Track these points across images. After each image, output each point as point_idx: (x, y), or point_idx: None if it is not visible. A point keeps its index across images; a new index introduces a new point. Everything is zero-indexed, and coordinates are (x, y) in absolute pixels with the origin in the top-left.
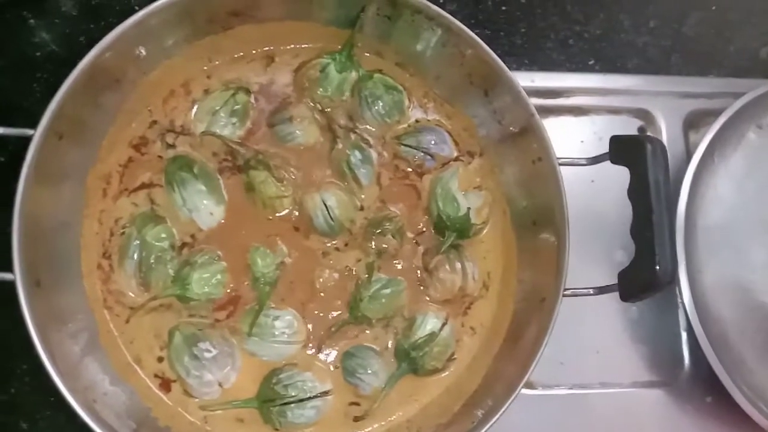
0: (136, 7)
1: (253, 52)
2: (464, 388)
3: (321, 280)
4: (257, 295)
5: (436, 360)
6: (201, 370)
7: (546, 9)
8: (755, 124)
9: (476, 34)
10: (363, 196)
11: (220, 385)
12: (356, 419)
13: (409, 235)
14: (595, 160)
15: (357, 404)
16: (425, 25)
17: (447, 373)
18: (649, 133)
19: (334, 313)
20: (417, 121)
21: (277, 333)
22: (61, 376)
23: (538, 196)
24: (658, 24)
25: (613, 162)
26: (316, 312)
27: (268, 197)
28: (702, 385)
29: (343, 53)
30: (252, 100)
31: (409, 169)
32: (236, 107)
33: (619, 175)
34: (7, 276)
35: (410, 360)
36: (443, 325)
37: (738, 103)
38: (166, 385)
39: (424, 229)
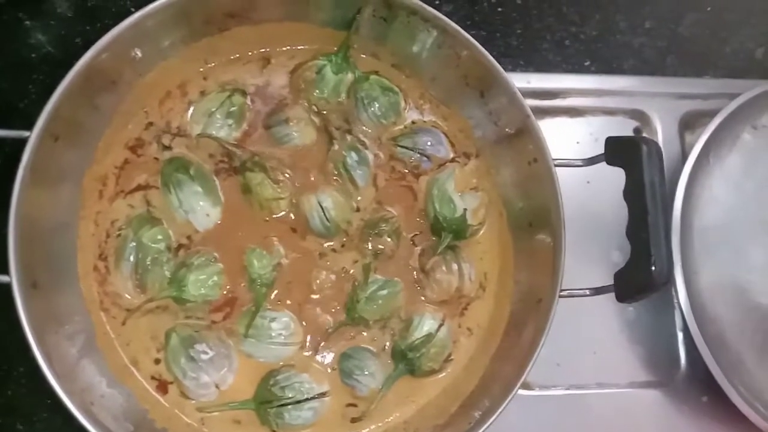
0: (132, 9)
1: (249, 53)
2: (461, 389)
3: (318, 281)
4: (254, 296)
5: (433, 361)
6: (198, 371)
7: (542, 10)
8: (750, 124)
9: (472, 35)
10: (359, 198)
11: (217, 386)
12: (353, 420)
13: (406, 236)
14: (590, 161)
15: (354, 405)
16: (421, 26)
17: (444, 374)
18: (644, 134)
19: (331, 315)
20: (413, 122)
21: (273, 334)
22: (58, 379)
23: (534, 197)
24: (653, 25)
25: (608, 163)
26: (312, 313)
27: (265, 199)
28: (698, 385)
29: (339, 55)
30: (248, 101)
31: (406, 171)
32: (232, 109)
33: (615, 176)
34: (3, 278)
35: (407, 361)
36: (440, 326)
37: (733, 104)
38: (163, 386)
39: (421, 231)
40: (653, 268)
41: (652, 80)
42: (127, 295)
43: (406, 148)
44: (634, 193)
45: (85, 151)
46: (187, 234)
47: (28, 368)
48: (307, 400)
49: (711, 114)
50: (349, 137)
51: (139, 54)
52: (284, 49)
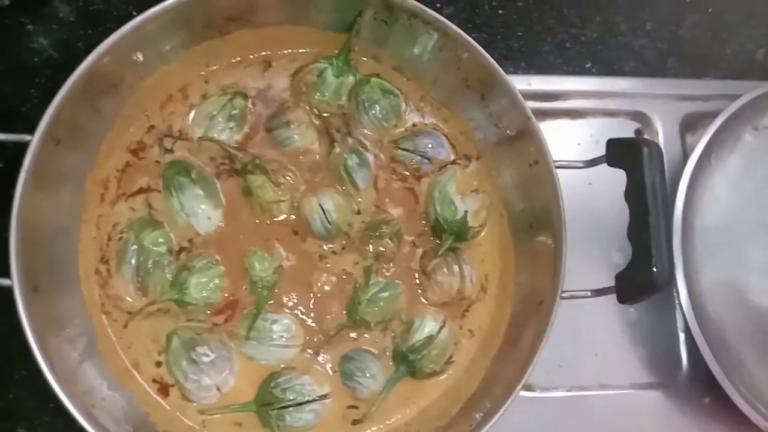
0: (134, 13)
1: (251, 56)
2: (462, 390)
3: (319, 283)
4: (255, 299)
5: (434, 363)
6: (199, 374)
7: (543, 12)
8: (752, 125)
9: (473, 37)
10: (360, 200)
11: (218, 389)
12: (354, 422)
13: (407, 238)
14: (591, 163)
15: (355, 407)
16: (422, 29)
17: (445, 375)
18: (645, 136)
19: (333, 317)
20: (414, 124)
21: (275, 337)
22: (59, 382)
23: (535, 199)
24: (654, 27)
25: (609, 165)
26: (314, 315)
27: (266, 201)
28: (700, 386)
29: (340, 58)
30: (249, 104)
31: (407, 173)
32: (234, 112)
33: (616, 178)
34: (4, 282)
35: (408, 363)
36: (441, 328)
37: (734, 105)
38: (164, 389)
39: (422, 233)
40: (654, 269)
41: (653, 82)
42: (128, 298)
43: (407, 150)
44: (635, 194)
45: (86, 154)
46: (189, 237)
47: (29, 371)
48: (308, 402)
49: (712, 115)
50: (350, 140)
51: (141, 57)
52: (285, 52)
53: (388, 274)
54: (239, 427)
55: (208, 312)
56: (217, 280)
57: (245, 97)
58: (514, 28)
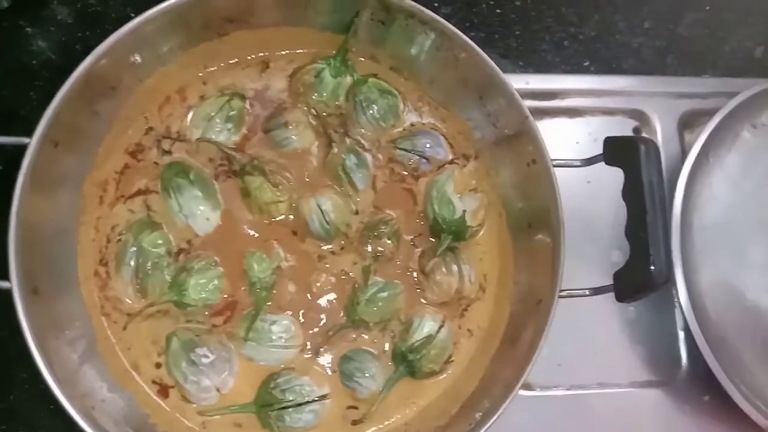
0: (132, 15)
1: (248, 57)
2: (462, 390)
3: (318, 284)
4: (254, 300)
5: (434, 362)
6: (199, 375)
7: (540, 11)
8: (750, 123)
9: (471, 37)
10: (358, 200)
11: (217, 390)
12: (354, 423)
13: (406, 238)
14: (589, 162)
15: (355, 408)
16: (419, 29)
17: (444, 375)
18: (644, 134)
19: (332, 317)
20: (412, 124)
21: (274, 337)
22: (59, 384)
23: (533, 198)
24: (652, 25)
25: (607, 163)
26: (313, 316)
27: (264, 202)
28: (700, 384)
29: (338, 58)
30: (247, 105)
31: (405, 173)
32: (232, 113)
33: (615, 177)
34: (4, 284)
35: (408, 363)
36: (440, 327)
37: (732, 103)
38: (164, 391)
39: (420, 233)
40: (652, 267)
41: (651, 80)
42: (127, 300)
43: (405, 150)
44: (632, 193)
45: (85, 156)
46: (187, 238)
47: (29, 374)
48: (307, 402)
49: (710, 113)
50: (348, 140)
51: (139, 59)
52: (283, 53)
53: (387, 273)
54: (239, 428)
55: (208, 313)
56: (216, 282)
57: (243, 98)
58: (512, 27)
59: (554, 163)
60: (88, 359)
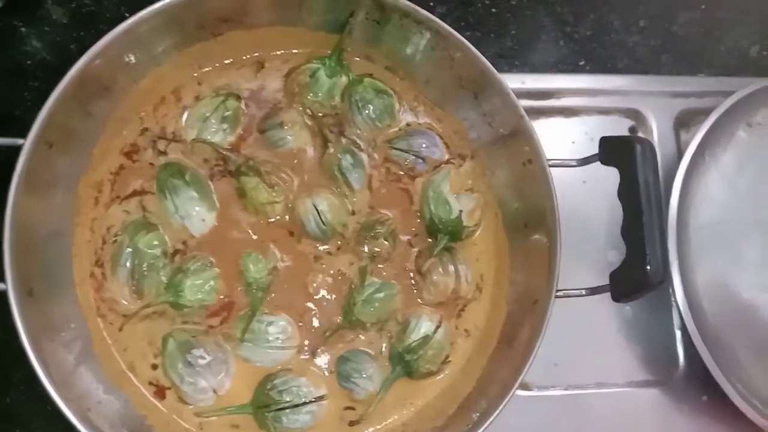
0: (127, 15)
1: (243, 58)
2: (459, 390)
3: (314, 284)
4: (250, 301)
5: (431, 363)
6: (195, 376)
7: (536, 10)
8: (745, 122)
9: (466, 36)
10: (355, 200)
11: (214, 391)
12: (351, 424)
13: (402, 238)
14: (585, 162)
15: (352, 408)
16: (414, 29)
17: (441, 376)
18: (640, 133)
19: (328, 318)
20: (408, 124)
21: (270, 338)
22: (55, 386)
23: (529, 197)
24: (647, 24)
25: (602, 163)
26: (309, 317)
27: (260, 203)
28: (697, 383)
29: (333, 58)
30: (242, 105)
31: (401, 173)
32: (227, 113)
33: (611, 176)
34: None
35: (405, 363)
36: (437, 327)
37: (728, 102)
38: (160, 392)
39: (417, 233)
40: (648, 267)
41: (647, 79)
42: (123, 301)
43: (401, 150)
44: (628, 192)
45: (80, 157)
46: (183, 239)
47: (25, 375)
48: (304, 403)
49: (706, 112)
50: (343, 140)
51: (133, 59)
52: (278, 53)
53: (384, 274)
54: (236, 429)
55: (204, 314)
56: (212, 282)
57: (238, 98)
58: (508, 26)
59: (550, 162)
60: (84, 361)
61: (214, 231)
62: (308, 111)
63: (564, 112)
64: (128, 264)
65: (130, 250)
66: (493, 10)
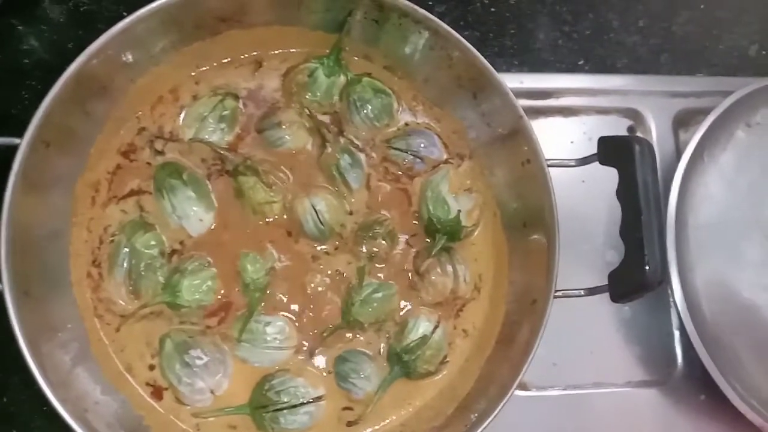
0: (125, 14)
1: (241, 57)
2: (457, 390)
3: (312, 285)
4: (248, 301)
5: (429, 363)
6: (193, 377)
7: (535, 10)
8: (744, 122)
9: (465, 36)
10: (353, 200)
11: (212, 392)
12: (349, 424)
13: (400, 238)
14: (584, 161)
15: (350, 409)
16: (413, 28)
17: (440, 376)
18: (638, 133)
19: (326, 318)
20: (406, 124)
21: (268, 339)
22: (52, 387)
23: (528, 197)
24: (647, 23)
25: (601, 163)
26: (307, 317)
27: (258, 203)
28: (695, 383)
29: (331, 57)
30: (240, 105)
31: (399, 173)
32: (225, 113)
33: (609, 176)
34: None
35: (403, 364)
36: (435, 328)
37: (727, 102)
38: (158, 393)
39: (415, 233)
40: (647, 267)
41: (646, 79)
42: (121, 302)
43: (400, 150)
44: (627, 192)
45: (77, 157)
46: (181, 239)
47: (23, 376)
48: (302, 404)
49: (705, 112)
50: (342, 140)
51: (131, 59)
52: (276, 52)
53: (381, 275)
54: (234, 429)
55: (201, 314)
56: (209, 283)
57: (236, 97)
58: (507, 25)
59: (549, 162)
60: (81, 361)
61: (212, 231)
62: (306, 110)
63: (563, 112)
64: (125, 264)
65: (127, 250)
66: (492, 9)
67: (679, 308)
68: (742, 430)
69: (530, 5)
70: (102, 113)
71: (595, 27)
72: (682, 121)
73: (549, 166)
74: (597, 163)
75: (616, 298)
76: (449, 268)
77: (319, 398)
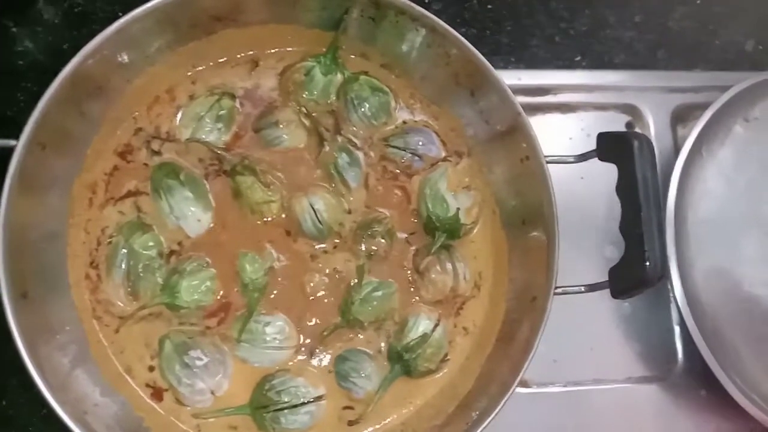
0: (120, 14)
1: (238, 56)
2: (458, 388)
3: (311, 284)
4: (247, 301)
5: (429, 361)
6: (192, 378)
7: (532, 7)
8: (742, 117)
9: (462, 33)
10: (351, 199)
11: (212, 392)
12: (350, 423)
13: (399, 236)
14: (582, 158)
15: (351, 408)
16: (410, 25)
17: (440, 374)
18: (636, 129)
19: (326, 317)
20: (404, 122)
21: (268, 339)
22: (51, 390)
23: (526, 194)
24: (643, 19)
25: (600, 159)
26: (307, 316)
27: (256, 202)
28: (696, 378)
29: (328, 56)
30: (237, 104)
31: (398, 171)
32: (221, 112)
33: (608, 172)
34: None
35: (403, 362)
36: (435, 326)
37: (725, 97)
38: (158, 394)
39: (414, 231)
40: (647, 263)
41: (643, 74)
42: (119, 303)
43: (398, 148)
44: (626, 188)
45: (73, 158)
46: (179, 240)
47: (21, 379)
48: (303, 404)
49: (703, 107)
50: (339, 138)
51: (127, 59)
52: (272, 51)
53: (381, 273)
54: (234, 430)
55: (201, 315)
56: (208, 283)
57: (233, 97)
58: (503, 22)
59: (547, 159)
60: (80, 363)
61: (210, 231)
62: (304, 109)
63: (560, 108)
64: (123, 265)
65: (125, 251)
66: (489, 6)
67: (679, 304)
68: (743, 424)
69: (527, 2)
70: (98, 114)
71: (591, 23)
72: (680, 117)
73: (548, 162)
74: (596, 159)
75: (616, 294)
76: (449, 266)
77: (319, 398)
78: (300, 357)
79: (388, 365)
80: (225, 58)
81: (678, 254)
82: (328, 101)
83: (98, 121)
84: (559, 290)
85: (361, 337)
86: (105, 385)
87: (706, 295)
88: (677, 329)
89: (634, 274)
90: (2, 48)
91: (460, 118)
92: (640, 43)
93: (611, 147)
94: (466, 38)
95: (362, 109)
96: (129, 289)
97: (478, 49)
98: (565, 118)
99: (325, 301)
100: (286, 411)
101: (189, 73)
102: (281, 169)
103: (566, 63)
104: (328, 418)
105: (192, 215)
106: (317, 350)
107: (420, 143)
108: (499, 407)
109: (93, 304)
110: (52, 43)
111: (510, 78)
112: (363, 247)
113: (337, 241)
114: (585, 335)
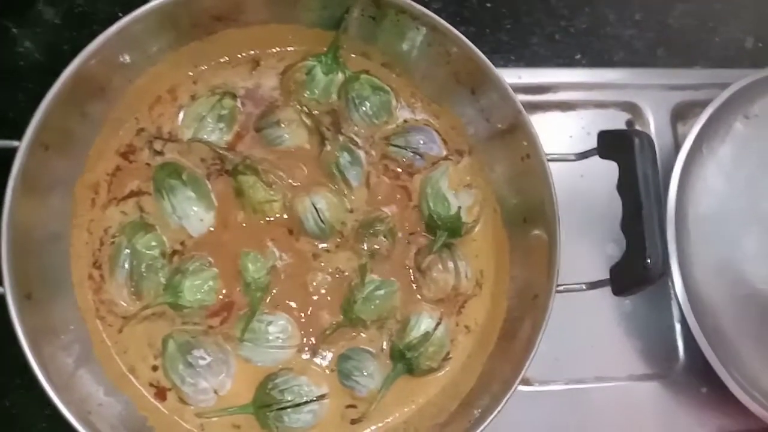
0: (120, 14)
1: (239, 56)
2: (460, 387)
3: (314, 283)
4: (249, 300)
5: (432, 360)
6: (196, 377)
7: (531, 5)
8: (742, 114)
9: (461, 32)
10: (353, 198)
11: (215, 392)
12: (353, 422)
13: (401, 235)
14: (583, 156)
15: (354, 407)
16: (410, 24)
17: (443, 372)
18: (637, 126)
19: (328, 316)
20: (405, 121)
21: (271, 338)
22: (55, 389)
23: (528, 192)
24: (643, 17)
25: (601, 157)
26: (309, 315)
27: (258, 202)
28: (697, 375)
29: (329, 55)
30: (239, 104)
31: (399, 170)
32: (223, 112)
33: (609, 170)
34: None
35: (406, 361)
36: (437, 324)
37: (725, 94)
38: (161, 393)
39: (416, 230)
40: (648, 261)
41: (643, 72)
42: (122, 303)
43: (399, 146)
44: (627, 186)
45: (76, 159)
46: (181, 240)
47: (25, 379)
48: (306, 402)
49: (703, 104)
50: (341, 138)
51: (128, 59)
52: (273, 50)
53: (383, 272)
54: (238, 429)
55: (204, 315)
56: (211, 283)
57: (234, 97)
58: (503, 21)
59: (548, 157)
60: (83, 363)
61: (212, 231)
62: (305, 109)
63: (561, 107)
64: (126, 265)
65: (128, 251)
66: (488, 5)
67: (680, 301)
68: (745, 421)
69: (526, 0)
70: (100, 114)
71: (591, 21)
72: (680, 114)
73: (548, 160)
74: (596, 157)
75: (617, 291)
76: (450, 265)
77: (322, 396)
78: (303, 356)
79: (391, 364)
80: (226, 58)
81: (679, 251)
82: (330, 100)
83: (100, 122)
84: (560, 288)
85: (364, 335)
86: (109, 385)
87: (707, 292)
88: (678, 327)
89: (635, 272)
90: (3, 49)
91: (461, 117)
92: (640, 41)
93: (612, 145)
94: (466, 37)
95: (363, 108)
96: (132, 289)
97: (478, 48)
98: (566, 116)
99: (328, 299)
100: (289, 410)
101: (190, 73)
102: (283, 169)
103: (566, 61)
104: (330, 416)
105: (194, 215)
106: (320, 349)
107: (421, 142)
108: (501, 405)
109: (96, 304)
110: (53, 44)
111: (510, 76)
112: (365, 246)
113: (339, 240)
114: (586, 333)
